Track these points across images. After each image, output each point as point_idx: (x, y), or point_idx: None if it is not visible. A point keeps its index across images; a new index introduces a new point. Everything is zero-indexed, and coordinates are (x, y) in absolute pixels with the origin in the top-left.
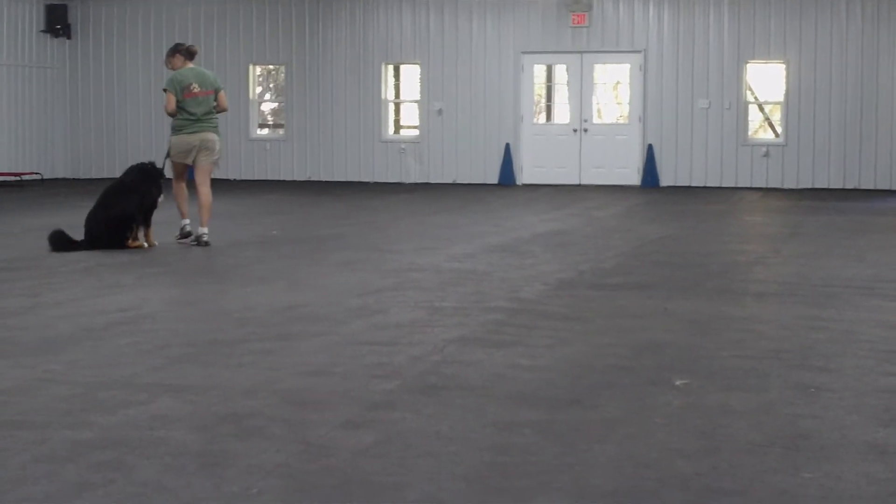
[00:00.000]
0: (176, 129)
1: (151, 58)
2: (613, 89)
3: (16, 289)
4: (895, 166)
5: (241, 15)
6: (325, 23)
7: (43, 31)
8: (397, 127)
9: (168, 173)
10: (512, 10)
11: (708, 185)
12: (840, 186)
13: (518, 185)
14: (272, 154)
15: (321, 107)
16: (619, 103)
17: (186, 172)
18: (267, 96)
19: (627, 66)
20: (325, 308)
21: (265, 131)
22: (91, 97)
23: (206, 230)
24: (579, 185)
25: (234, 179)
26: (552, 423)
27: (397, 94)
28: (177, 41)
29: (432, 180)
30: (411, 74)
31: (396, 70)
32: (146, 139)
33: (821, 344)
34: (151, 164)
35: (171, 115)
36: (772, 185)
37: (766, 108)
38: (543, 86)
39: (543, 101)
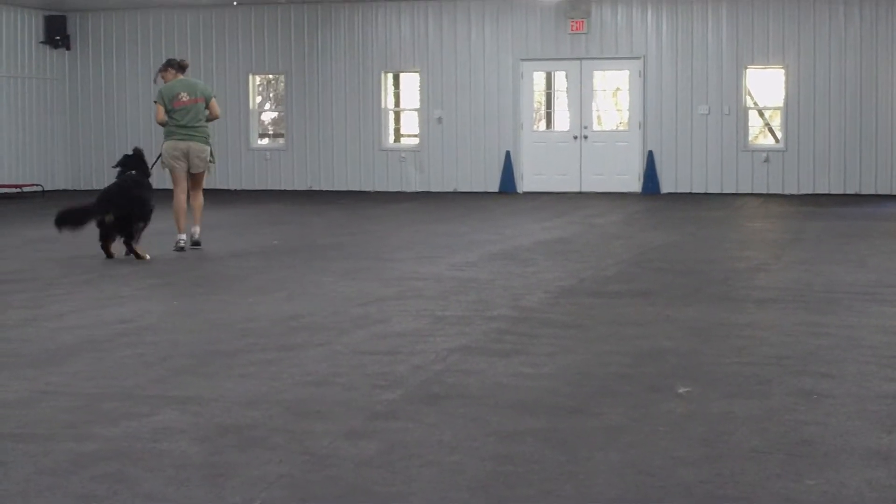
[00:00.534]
0: (166, 136)
1: (151, 68)
2: (613, 96)
3: (17, 301)
4: (895, 171)
5: (241, 24)
6: (324, 32)
7: (42, 43)
8: (397, 135)
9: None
10: (511, 18)
11: (709, 191)
12: (840, 192)
13: (519, 193)
14: (272, 164)
15: (321, 116)
16: (618, 110)
17: (186, 184)
18: (267, 106)
19: (627, 72)
20: (326, 318)
21: (265, 141)
22: (91, 108)
23: (198, 229)
24: (580, 193)
25: (235, 189)
26: (555, 431)
27: (397, 103)
28: (174, 52)
29: (433, 189)
30: (411, 83)
31: (396, 78)
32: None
33: (823, 350)
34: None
35: (162, 124)
36: (772, 190)
37: (766, 114)
38: (543, 93)
39: (543, 108)
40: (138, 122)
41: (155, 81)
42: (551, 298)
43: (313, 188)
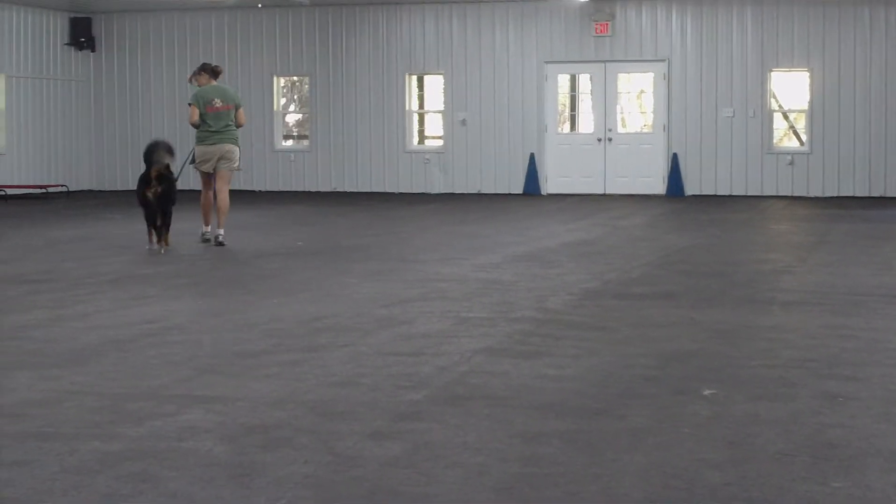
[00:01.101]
0: (199, 140)
1: (175, 70)
2: (637, 98)
3: (42, 301)
4: None
5: (265, 26)
6: (348, 34)
7: (67, 44)
8: (421, 137)
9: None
10: (535, 20)
11: (733, 193)
12: (865, 194)
13: (543, 195)
14: (297, 165)
15: (345, 118)
16: (643, 112)
17: (213, 183)
18: (291, 107)
19: (651, 74)
20: (351, 319)
21: (290, 142)
22: (116, 109)
23: (222, 231)
24: (604, 195)
25: (259, 190)
26: (580, 433)
27: (421, 105)
28: (198, 54)
29: (457, 191)
30: (435, 85)
31: (420, 80)
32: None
33: (848, 353)
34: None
35: (195, 126)
36: (797, 193)
37: (791, 117)
38: (567, 95)
39: (567, 110)
40: (162, 124)
41: (190, 82)
42: (576, 300)
43: (337, 190)
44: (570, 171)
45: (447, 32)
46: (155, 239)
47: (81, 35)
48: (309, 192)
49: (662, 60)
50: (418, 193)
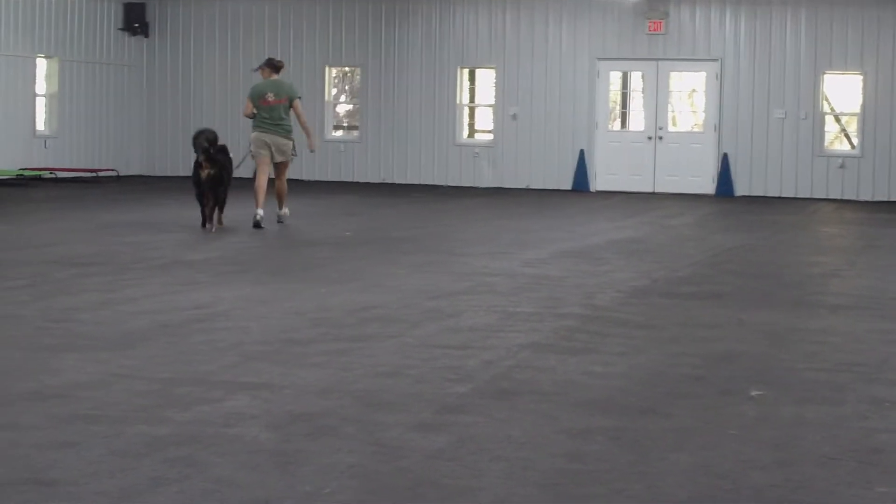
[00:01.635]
0: (253, 127)
1: (228, 57)
2: (689, 97)
3: (91, 284)
4: None
5: (318, 16)
6: (401, 26)
7: (121, 29)
8: (472, 131)
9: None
10: (588, 17)
11: (783, 195)
12: None
13: (592, 192)
14: (346, 156)
15: (396, 109)
16: (694, 111)
17: (268, 169)
18: (342, 98)
19: (703, 74)
20: (398, 310)
21: (340, 133)
22: (168, 95)
23: (284, 211)
24: (653, 193)
25: (309, 180)
26: (625, 430)
27: (472, 98)
28: (251, 42)
29: (506, 185)
30: (487, 79)
31: (472, 74)
32: (221, 137)
33: (895, 358)
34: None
35: (248, 117)
36: (847, 196)
37: (843, 120)
38: (619, 93)
39: (618, 107)
40: (214, 110)
41: (253, 71)
42: (623, 298)
43: (386, 181)
44: (619, 168)
45: (500, 26)
46: (211, 222)
47: (135, 20)
48: (358, 182)
49: (715, 60)
50: (467, 187)
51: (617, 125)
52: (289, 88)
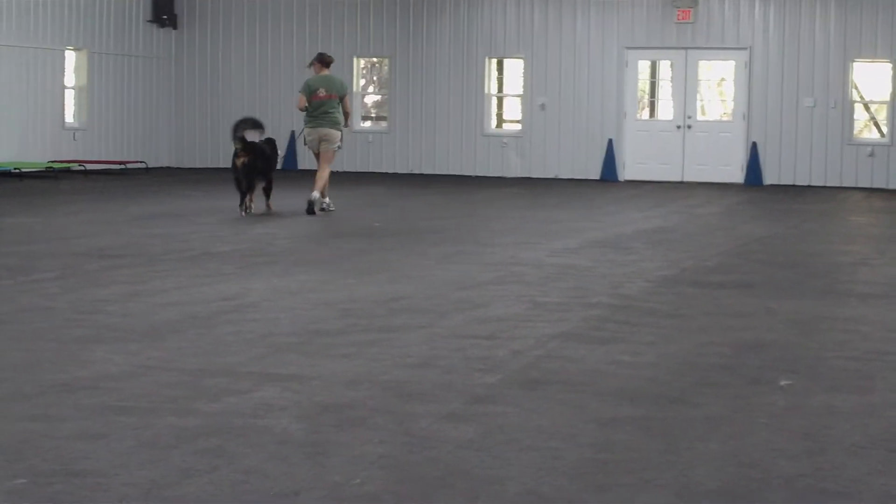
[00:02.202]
0: (305, 123)
1: (256, 48)
2: (718, 86)
3: (120, 276)
4: None
5: (346, 7)
6: (429, 16)
7: (149, 21)
8: (500, 121)
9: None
10: (616, 6)
11: (812, 184)
12: None
13: (620, 182)
14: (375, 146)
15: (424, 100)
16: (723, 100)
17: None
18: (370, 89)
19: (732, 62)
20: (427, 301)
21: (368, 124)
22: (196, 87)
23: (327, 200)
24: (682, 183)
25: (337, 171)
26: (654, 420)
27: (500, 89)
28: (279, 33)
29: (534, 175)
30: (515, 69)
31: (500, 64)
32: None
33: None
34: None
35: (302, 111)
36: (876, 185)
37: (872, 108)
38: (647, 82)
39: (647, 97)
40: (242, 101)
41: (308, 67)
42: (652, 287)
43: (414, 172)
44: (647, 157)
45: (528, 16)
46: (244, 206)
47: (163, 12)
48: (386, 173)
49: (744, 48)
50: (495, 177)
51: (645, 114)
52: (339, 85)
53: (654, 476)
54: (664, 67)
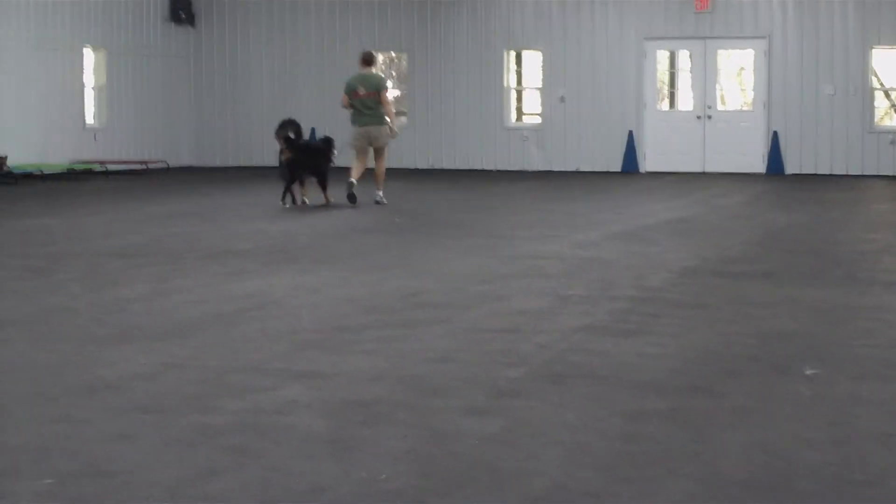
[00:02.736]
0: (351, 122)
1: (275, 45)
2: (737, 75)
3: (143, 275)
4: None
5: (364, 3)
6: (447, 9)
7: (167, 20)
8: (519, 114)
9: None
10: None
11: (833, 172)
12: None
13: (641, 173)
14: (395, 141)
15: (443, 94)
16: (742, 90)
17: (365, 159)
18: (389, 83)
19: (751, 51)
20: (449, 295)
21: (388, 119)
22: (215, 85)
23: (380, 193)
24: (703, 173)
25: None
26: (680, 411)
27: (519, 82)
28: (296, 30)
29: (555, 168)
30: (533, 61)
31: (518, 57)
32: (270, 127)
33: None
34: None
35: (347, 109)
36: None
37: (892, 95)
38: (666, 72)
39: (666, 87)
40: (262, 99)
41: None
42: (675, 278)
43: (434, 166)
44: (668, 148)
45: (546, 8)
46: (289, 198)
47: (181, 10)
48: (406, 168)
49: (763, 37)
50: (516, 170)
51: (665, 105)
52: (376, 81)
53: (680, 467)
54: (683, 57)
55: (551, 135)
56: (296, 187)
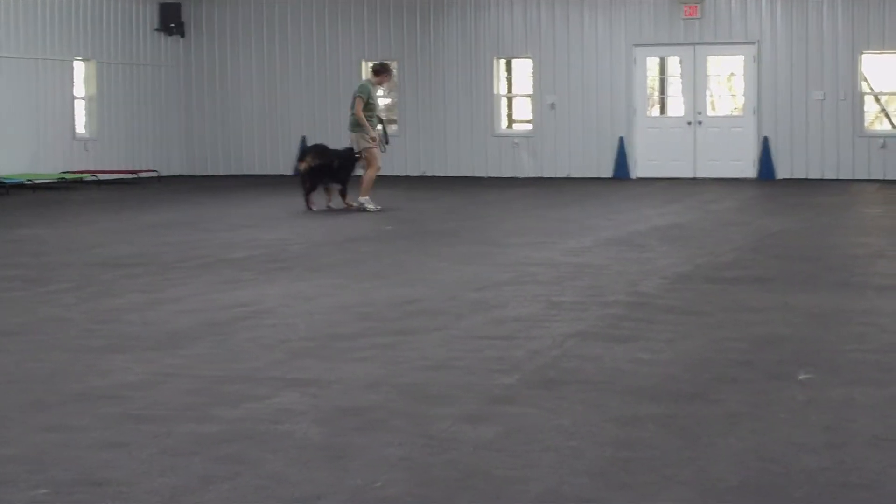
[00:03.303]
0: None
1: (264, 55)
2: (727, 81)
3: (136, 285)
4: None
5: (353, 11)
6: (436, 18)
7: (157, 30)
8: (510, 121)
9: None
10: (623, 3)
11: (824, 177)
12: None
13: (632, 179)
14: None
15: (433, 102)
16: (733, 95)
17: (375, 160)
18: (379, 92)
19: (741, 57)
20: (442, 302)
21: (378, 127)
22: (205, 94)
23: (361, 199)
24: (694, 179)
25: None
26: (674, 417)
27: (510, 89)
28: (287, 39)
29: (546, 174)
30: (523, 69)
31: (508, 64)
32: (261, 135)
33: None
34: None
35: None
36: (889, 176)
37: (882, 99)
38: (656, 78)
39: (657, 93)
40: (252, 109)
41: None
42: (668, 284)
43: (426, 174)
44: (659, 154)
45: (535, 16)
46: (308, 203)
47: (171, 20)
48: (397, 176)
49: (752, 43)
50: (507, 178)
51: (656, 111)
52: (356, 88)
53: (675, 473)
54: (673, 64)
55: (542, 141)
56: (315, 194)
